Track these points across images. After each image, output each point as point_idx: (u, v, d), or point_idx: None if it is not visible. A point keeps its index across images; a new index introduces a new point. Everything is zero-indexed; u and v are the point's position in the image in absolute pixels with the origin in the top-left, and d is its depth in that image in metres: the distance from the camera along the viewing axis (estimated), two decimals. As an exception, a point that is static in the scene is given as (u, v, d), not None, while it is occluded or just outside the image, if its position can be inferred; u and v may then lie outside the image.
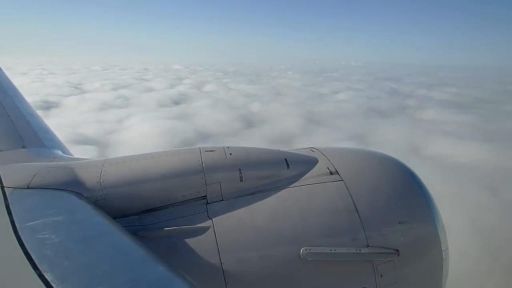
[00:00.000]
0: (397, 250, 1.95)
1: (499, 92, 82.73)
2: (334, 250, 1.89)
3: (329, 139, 33.75)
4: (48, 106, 46.75)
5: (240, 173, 2.11)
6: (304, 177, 2.17)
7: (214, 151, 2.23)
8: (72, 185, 2.01)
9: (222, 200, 2.05)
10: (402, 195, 2.15)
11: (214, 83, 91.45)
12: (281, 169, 2.18)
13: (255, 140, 32.53)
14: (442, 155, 27.78)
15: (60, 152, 3.01)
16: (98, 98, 56.60)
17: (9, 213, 1.68)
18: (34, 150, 2.90)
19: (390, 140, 32.88)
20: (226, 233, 1.91)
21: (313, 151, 2.42)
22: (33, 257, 1.32)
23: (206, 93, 70.60)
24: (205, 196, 2.06)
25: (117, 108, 48.51)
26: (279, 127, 38.47)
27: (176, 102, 56.89)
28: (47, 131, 3.39)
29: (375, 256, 1.92)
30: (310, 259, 1.86)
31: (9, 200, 1.83)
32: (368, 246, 1.93)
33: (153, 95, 65.05)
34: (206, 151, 2.23)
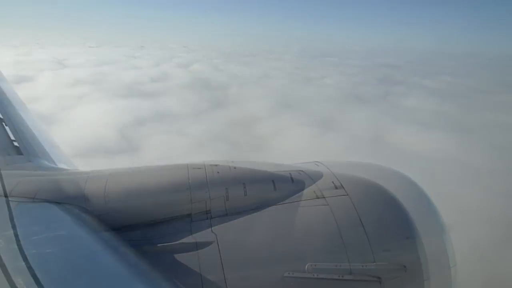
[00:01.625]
0: (405, 266, 1.92)
1: (496, 82, 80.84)
2: (340, 265, 1.86)
3: (293, 123, 32.71)
4: (20, 80, 45.68)
5: (227, 192, 2.10)
6: (291, 199, 2.13)
7: (202, 169, 2.22)
8: (54, 196, 2.02)
9: (207, 219, 2.03)
10: (409, 210, 2.08)
11: (203, 62, 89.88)
12: (267, 190, 2.15)
13: (213, 122, 31.61)
14: (402, 143, 26.93)
15: (45, 162, 2.93)
16: (74, 74, 55.45)
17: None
18: (19, 158, 2.87)
19: (356, 127, 31.94)
20: (209, 252, 1.87)
21: (317, 165, 2.41)
22: (7, 269, 1.33)
23: (190, 73, 69.25)
24: (190, 214, 2.04)
25: (89, 84, 47.44)
26: (246, 109, 37.37)
27: (154, 80, 55.60)
28: (33, 140, 3.31)
29: (382, 272, 1.89)
30: (315, 275, 1.85)
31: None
32: (374, 262, 1.89)
33: (133, 72, 63.74)
34: (193, 168, 2.22)
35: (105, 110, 31.88)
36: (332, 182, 2.20)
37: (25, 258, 1.38)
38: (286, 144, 25.77)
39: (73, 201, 2.00)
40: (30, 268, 1.33)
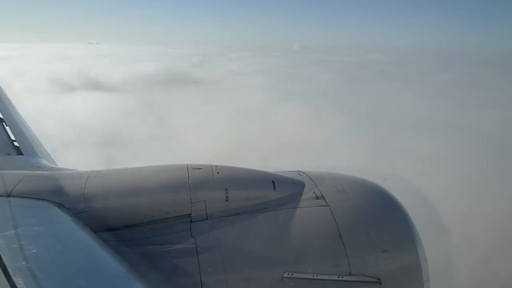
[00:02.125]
0: (379, 279, 1.93)
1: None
2: (317, 276, 1.88)
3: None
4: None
5: (226, 192, 2.11)
6: (290, 200, 2.17)
7: (202, 169, 2.24)
8: (54, 196, 1.99)
9: (207, 219, 2.04)
10: (386, 224, 2.16)
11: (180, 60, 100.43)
12: (267, 191, 2.18)
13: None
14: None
15: (45, 162, 3.00)
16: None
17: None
18: (19, 158, 2.92)
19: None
20: (208, 253, 1.89)
21: (300, 175, 2.43)
22: (7, 267, 1.31)
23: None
24: (190, 214, 2.05)
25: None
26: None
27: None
28: (33, 140, 3.39)
29: (357, 284, 1.91)
30: (292, 284, 1.87)
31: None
32: (350, 274, 1.91)
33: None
34: (193, 168, 2.23)
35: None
36: (314, 192, 2.22)
37: (28, 259, 1.37)
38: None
39: (72, 200, 1.99)
40: (30, 268, 1.31)
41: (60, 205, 1.96)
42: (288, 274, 1.88)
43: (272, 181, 2.24)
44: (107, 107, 37.83)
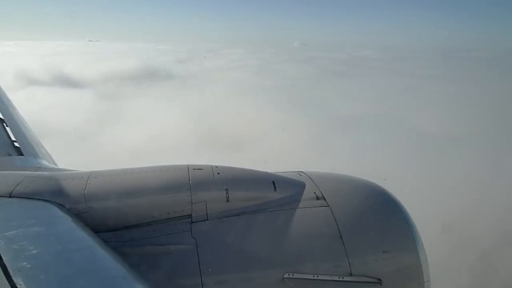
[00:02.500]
0: (380, 280, 1.93)
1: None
2: (317, 276, 1.89)
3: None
4: None
5: (227, 193, 2.10)
6: (291, 200, 2.16)
7: (202, 170, 2.24)
8: (55, 196, 1.99)
9: (207, 219, 2.04)
10: (386, 225, 2.16)
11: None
12: (268, 191, 2.18)
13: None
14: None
15: (45, 162, 2.99)
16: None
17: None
18: (19, 159, 2.90)
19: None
20: (209, 254, 1.90)
21: (300, 175, 2.43)
22: (8, 268, 1.30)
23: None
24: (190, 214, 2.04)
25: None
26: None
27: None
28: (34, 140, 3.39)
29: (357, 285, 1.91)
30: (292, 285, 1.87)
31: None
32: (351, 274, 1.91)
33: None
34: (194, 169, 2.23)
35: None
36: (314, 192, 2.22)
37: (28, 259, 1.36)
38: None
39: (73, 201, 1.98)
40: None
41: (61, 206, 1.95)
42: (289, 274, 1.89)
43: (273, 182, 2.24)
44: (53, 102, 39.76)
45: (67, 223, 1.81)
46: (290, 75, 72.71)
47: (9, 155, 2.96)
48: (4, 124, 3.42)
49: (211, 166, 2.29)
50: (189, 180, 2.12)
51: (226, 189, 2.12)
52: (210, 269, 1.85)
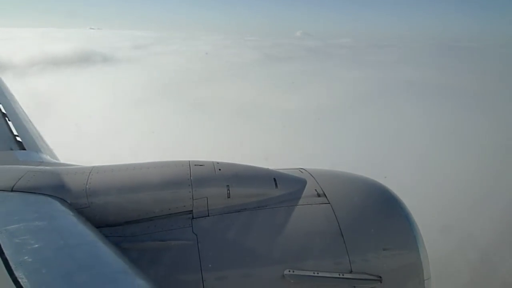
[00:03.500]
0: (380, 277, 1.95)
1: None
2: (317, 273, 1.89)
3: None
4: None
5: (228, 189, 2.11)
6: (292, 197, 2.17)
7: (204, 166, 2.24)
8: (57, 191, 1.98)
9: (208, 215, 2.05)
10: (387, 222, 2.17)
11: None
12: (269, 188, 2.19)
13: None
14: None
15: (47, 157, 3.01)
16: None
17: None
18: (21, 153, 2.92)
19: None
20: (209, 250, 1.91)
21: (302, 172, 2.43)
22: (9, 262, 1.31)
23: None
24: (191, 210, 2.05)
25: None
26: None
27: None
28: (35, 135, 3.38)
29: (357, 282, 1.92)
30: (292, 281, 1.87)
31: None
32: (351, 271, 1.92)
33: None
34: (195, 165, 2.23)
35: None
36: (315, 189, 2.23)
37: (30, 254, 1.37)
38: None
39: (74, 196, 1.98)
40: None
41: (62, 201, 1.95)
42: (289, 271, 1.90)
43: (274, 178, 2.25)
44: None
45: (68, 217, 1.81)
46: (233, 61, 78.52)
47: (11, 149, 2.96)
48: (6, 119, 3.43)
49: (213, 162, 2.30)
50: (190, 176, 2.13)
51: (227, 186, 2.12)
52: (210, 265, 1.87)
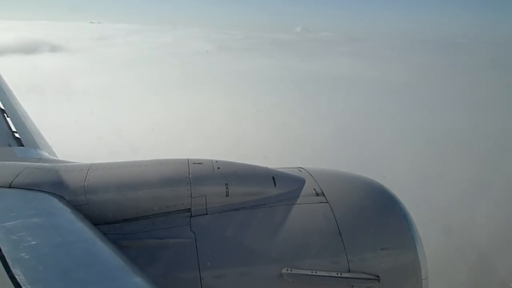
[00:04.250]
0: (378, 277, 1.95)
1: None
2: (315, 272, 1.90)
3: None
4: None
5: (227, 187, 2.11)
6: (290, 196, 2.17)
7: (202, 164, 2.24)
8: (55, 188, 1.98)
9: (207, 214, 2.05)
10: (385, 222, 2.18)
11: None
12: (268, 187, 2.19)
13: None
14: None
15: (46, 153, 3.03)
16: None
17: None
18: (20, 149, 2.94)
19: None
20: (208, 248, 1.91)
21: (300, 171, 2.43)
22: (6, 258, 1.30)
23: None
24: (190, 208, 2.05)
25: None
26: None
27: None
28: (34, 131, 3.40)
29: (355, 281, 1.93)
30: (290, 280, 1.88)
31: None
32: (349, 270, 1.93)
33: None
34: (194, 163, 2.23)
35: None
36: (314, 188, 2.23)
37: (27, 251, 1.37)
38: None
39: (72, 193, 1.98)
40: (29, 260, 1.32)
41: (60, 198, 1.95)
42: (287, 269, 1.91)
43: (273, 177, 2.25)
44: None
45: (66, 214, 1.81)
46: (158, 51, 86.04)
47: (10, 145, 2.98)
48: (5, 115, 3.43)
49: (211, 160, 2.30)
50: (189, 174, 2.13)
51: (226, 184, 2.13)
52: (208, 263, 1.88)
